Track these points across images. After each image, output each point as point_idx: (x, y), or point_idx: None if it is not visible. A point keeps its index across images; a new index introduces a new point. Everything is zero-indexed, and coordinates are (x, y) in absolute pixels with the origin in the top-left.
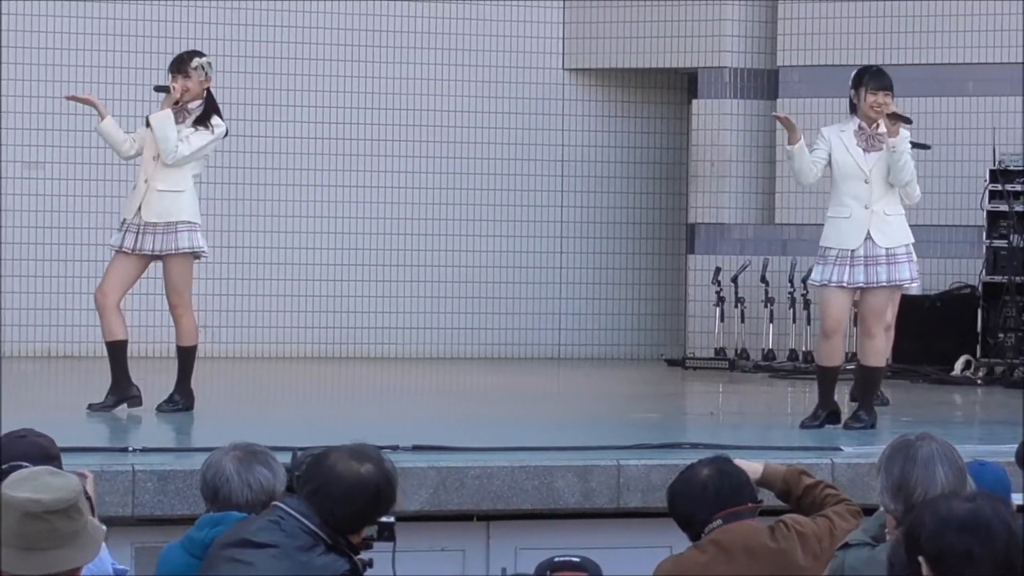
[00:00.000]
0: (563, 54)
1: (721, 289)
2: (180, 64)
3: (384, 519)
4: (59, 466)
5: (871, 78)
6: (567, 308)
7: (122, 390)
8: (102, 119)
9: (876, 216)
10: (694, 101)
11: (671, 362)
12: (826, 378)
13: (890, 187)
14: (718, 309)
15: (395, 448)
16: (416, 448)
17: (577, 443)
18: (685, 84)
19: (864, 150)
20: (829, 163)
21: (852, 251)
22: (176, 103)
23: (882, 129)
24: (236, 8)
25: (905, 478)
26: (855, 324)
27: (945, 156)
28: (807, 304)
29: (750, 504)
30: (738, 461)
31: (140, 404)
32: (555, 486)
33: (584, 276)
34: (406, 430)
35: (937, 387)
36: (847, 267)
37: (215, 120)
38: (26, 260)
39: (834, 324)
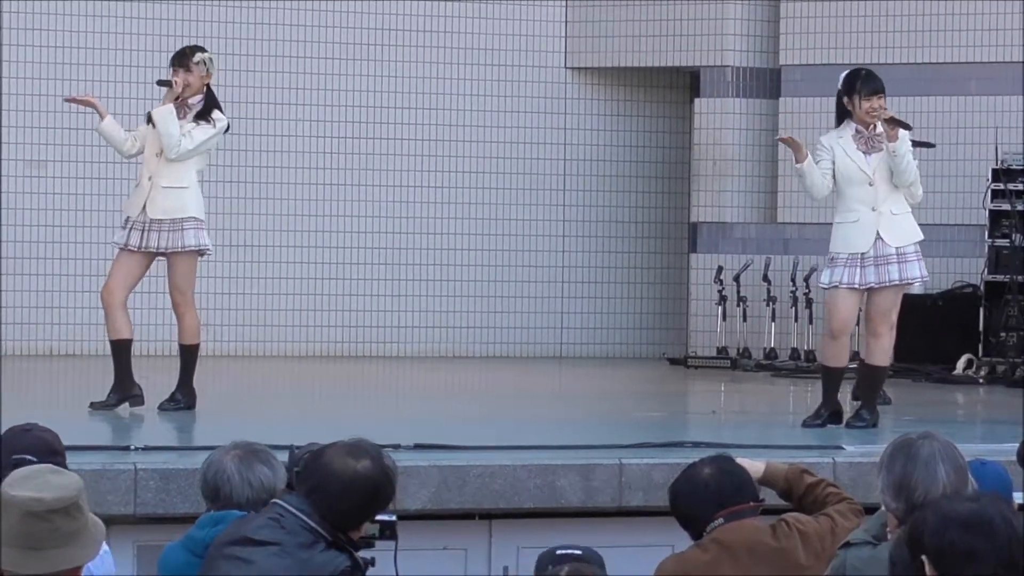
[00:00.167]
0: (566, 53)
1: (723, 288)
2: (182, 58)
3: (386, 518)
4: (63, 461)
5: (863, 84)
6: (569, 307)
7: (125, 389)
8: (102, 119)
9: (884, 217)
10: (696, 100)
11: (673, 361)
12: (831, 379)
13: (895, 187)
14: (720, 308)
15: (397, 447)
16: (418, 447)
17: (579, 442)
18: (687, 83)
19: (865, 153)
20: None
21: (863, 254)
22: (177, 98)
23: (879, 130)
24: (244, 7)
25: (906, 477)
26: (858, 324)
27: (947, 155)
28: (809, 303)
29: (752, 503)
30: (740, 460)
31: (142, 403)
32: (557, 485)
33: (587, 275)
34: (408, 429)
35: (939, 386)
36: (858, 269)
37: (216, 114)
38: (27, 258)
39: (842, 325)
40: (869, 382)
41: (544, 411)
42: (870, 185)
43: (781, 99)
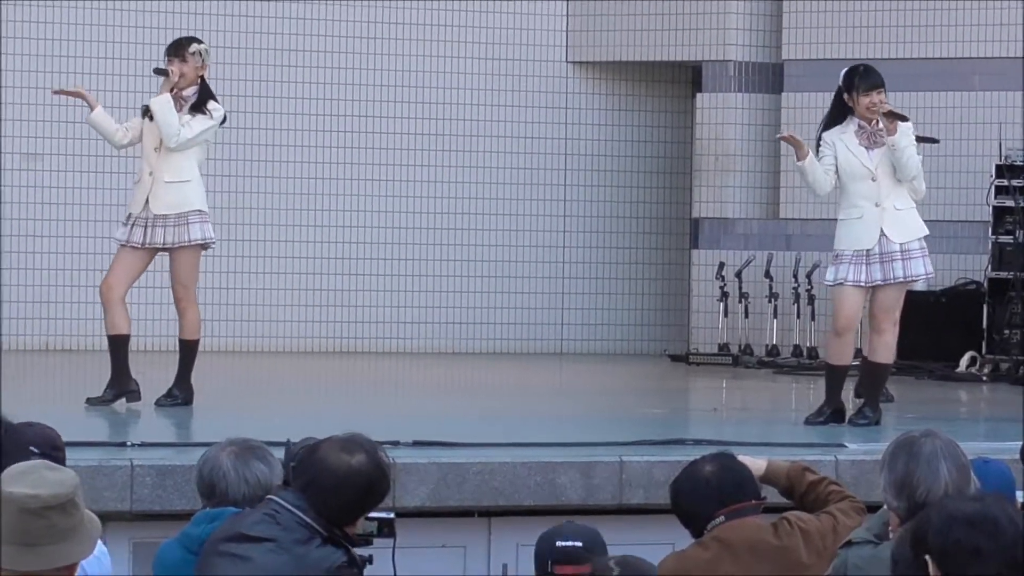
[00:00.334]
0: (567, 47)
1: (725, 284)
2: (178, 48)
3: (384, 515)
4: (63, 458)
5: (861, 79)
6: (570, 303)
7: (121, 384)
8: (92, 110)
9: (888, 212)
10: (698, 95)
11: (674, 357)
12: (834, 377)
13: (898, 182)
14: (722, 304)
15: (396, 443)
16: (417, 443)
17: (579, 439)
18: (689, 77)
19: (867, 148)
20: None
21: (868, 250)
22: (172, 89)
23: (881, 126)
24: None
25: (908, 475)
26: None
27: (951, 151)
28: (811, 299)
29: (753, 501)
30: (741, 457)
31: (139, 399)
32: (557, 482)
33: (587, 271)
34: (407, 425)
35: (942, 384)
36: (863, 266)
37: (212, 105)
38: (23, 253)
39: (847, 323)
40: (872, 379)
41: (544, 408)
42: (873, 181)
43: (784, 94)
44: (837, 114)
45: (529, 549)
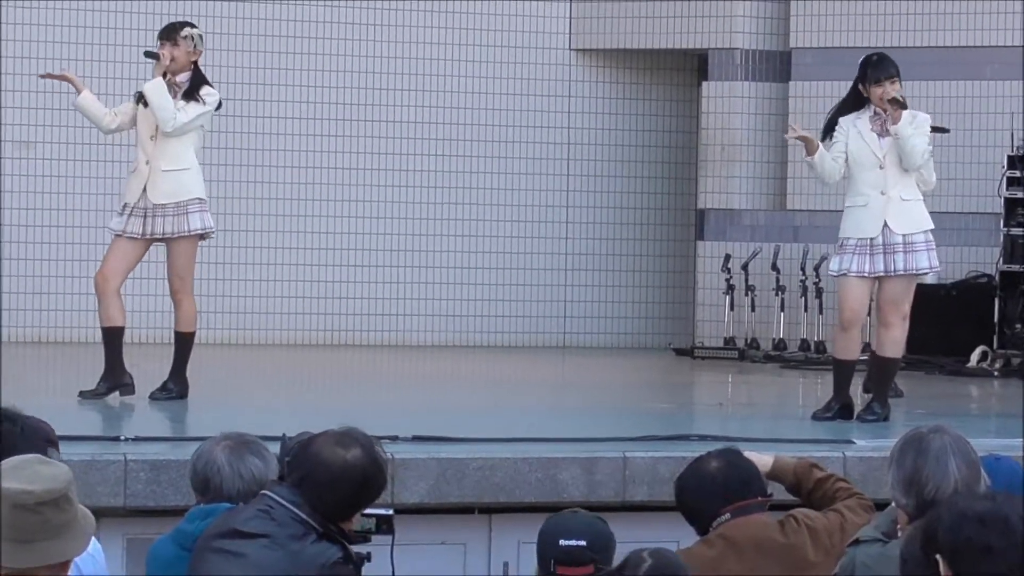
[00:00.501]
0: (570, 34)
1: (731, 277)
2: (170, 32)
3: (383, 511)
4: (45, 447)
5: (873, 69)
6: (573, 295)
7: (115, 377)
8: (79, 93)
9: (892, 202)
10: (704, 83)
11: (679, 351)
12: (842, 371)
13: (906, 172)
14: (728, 297)
15: (394, 438)
16: (416, 438)
17: (582, 434)
18: (695, 66)
19: (879, 135)
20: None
21: (871, 240)
22: (165, 74)
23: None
24: None
25: (917, 472)
26: (869, 314)
27: (962, 141)
28: (819, 292)
29: (759, 498)
30: (747, 453)
31: (133, 392)
32: (559, 478)
33: (591, 262)
34: (406, 420)
35: (952, 379)
36: (867, 256)
37: (206, 90)
38: (16, 243)
39: (852, 315)
40: (880, 374)
41: (546, 402)
42: (880, 168)
43: (791, 83)
44: (852, 102)
45: (530, 547)
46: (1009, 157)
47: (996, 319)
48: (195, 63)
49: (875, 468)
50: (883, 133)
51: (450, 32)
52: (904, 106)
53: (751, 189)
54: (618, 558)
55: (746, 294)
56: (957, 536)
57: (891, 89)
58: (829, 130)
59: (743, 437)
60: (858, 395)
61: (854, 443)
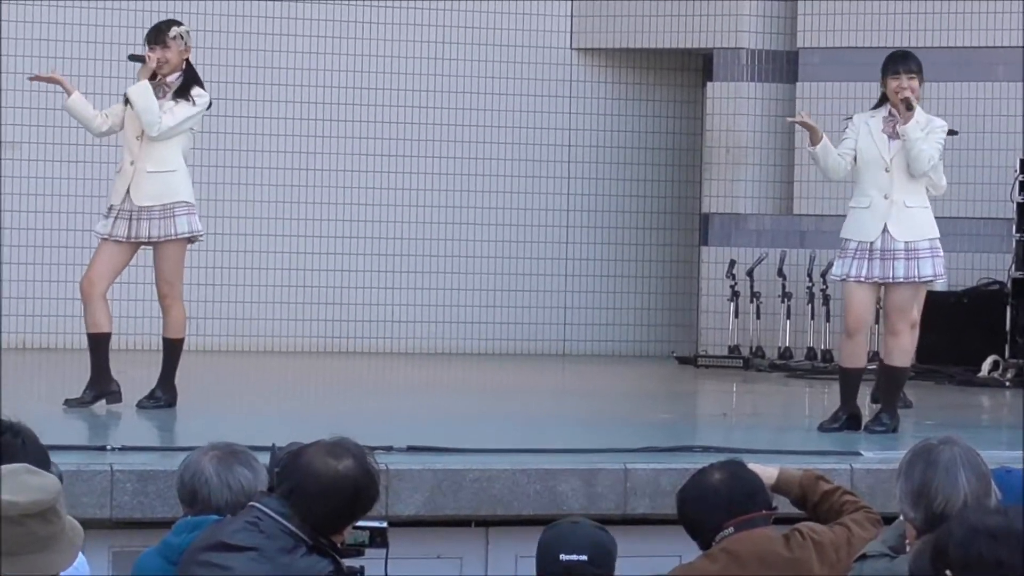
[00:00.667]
0: (571, 33)
1: (736, 283)
2: (157, 34)
3: (376, 524)
4: (46, 459)
5: (891, 62)
6: (573, 302)
7: (102, 385)
8: (68, 95)
9: (895, 207)
10: (709, 84)
11: (682, 360)
12: (848, 380)
13: (912, 177)
14: (732, 304)
15: (389, 449)
16: (411, 449)
17: (582, 445)
18: (700, 66)
19: (889, 136)
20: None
21: (871, 243)
22: (154, 76)
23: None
24: None
25: (926, 485)
26: (876, 322)
27: (973, 144)
28: (826, 300)
29: (764, 511)
30: (752, 465)
31: (119, 400)
32: (558, 490)
33: (592, 268)
34: (401, 429)
35: (963, 389)
36: (865, 260)
37: (196, 91)
38: None
39: (857, 322)
40: (889, 384)
41: (545, 412)
42: (886, 171)
43: (798, 83)
44: (881, 100)
45: (529, 561)
46: (1021, 160)
47: (1008, 327)
48: (187, 61)
49: (883, 481)
50: (893, 135)
51: (445, 31)
52: (911, 107)
53: (757, 193)
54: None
55: (751, 301)
56: (968, 551)
57: (908, 84)
58: None
59: (747, 448)
60: (866, 405)
61: (861, 455)
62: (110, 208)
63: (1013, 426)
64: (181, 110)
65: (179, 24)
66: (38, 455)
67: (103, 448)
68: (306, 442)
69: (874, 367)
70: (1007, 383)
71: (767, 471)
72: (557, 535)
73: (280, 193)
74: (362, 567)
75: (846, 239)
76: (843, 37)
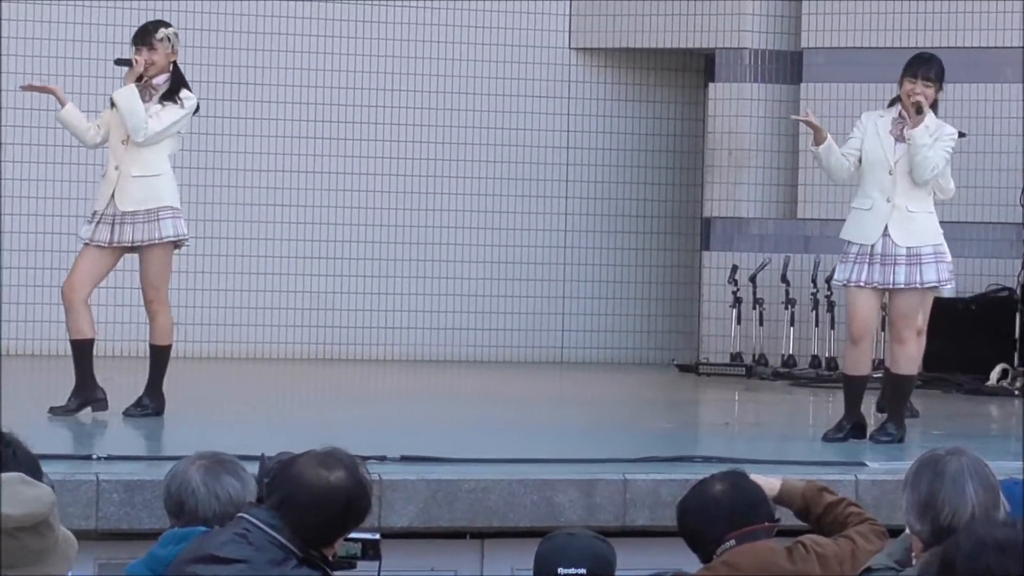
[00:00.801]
0: (570, 32)
1: (738, 289)
2: (144, 36)
3: (369, 536)
4: (38, 469)
5: (909, 64)
6: (572, 308)
7: (87, 392)
8: (62, 106)
9: (897, 211)
10: (711, 85)
11: (683, 368)
12: (852, 388)
13: (916, 182)
14: (735, 311)
15: (382, 458)
16: (404, 459)
17: (580, 455)
18: (701, 66)
19: (896, 139)
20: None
21: (871, 247)
22: (140, 78)
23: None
24: None
25: (932, 496)
26: (883, 329)
27: (981, 147)
28: (831, 306)
29: (766, 523)
30: (754, 476)
31: (105, 408)
32: (556, 501)
33: (590, 273)
34: (394, 439)
35: (971, 398)
36: (866, 265)
37: (184, 93)
38: None
39: (861, 329)
40: (895, 393)
41: (542, 420)
42: (889, 174)
43: (803, 84)
44: (896, 99)
45: (524, 573)
46: None
47: (1017, 335)
48: (174, 63)
49: (889, 492)
50: (901, 138)
51: (440, 30)
52: (920, 110)
53: (760, 196)
54: None
55: (754, 307)
56: (976, 565)
57: (922, 91)
58: None
59: (749, 459)
60: (871, 415)
61: (867, 466)
62: (94, 213)
63: (1022, 436)
64: (168, 114)
65: (167, 25)
66: (29, 465)
67: (89, 457)
68: (296, 451)
69: (879, 375)
70: (1016, 392)
71: (770, 482)
72: (554, 547)
73: (271, 196)
74: None
75: (847, 242)
76: (849, 37)
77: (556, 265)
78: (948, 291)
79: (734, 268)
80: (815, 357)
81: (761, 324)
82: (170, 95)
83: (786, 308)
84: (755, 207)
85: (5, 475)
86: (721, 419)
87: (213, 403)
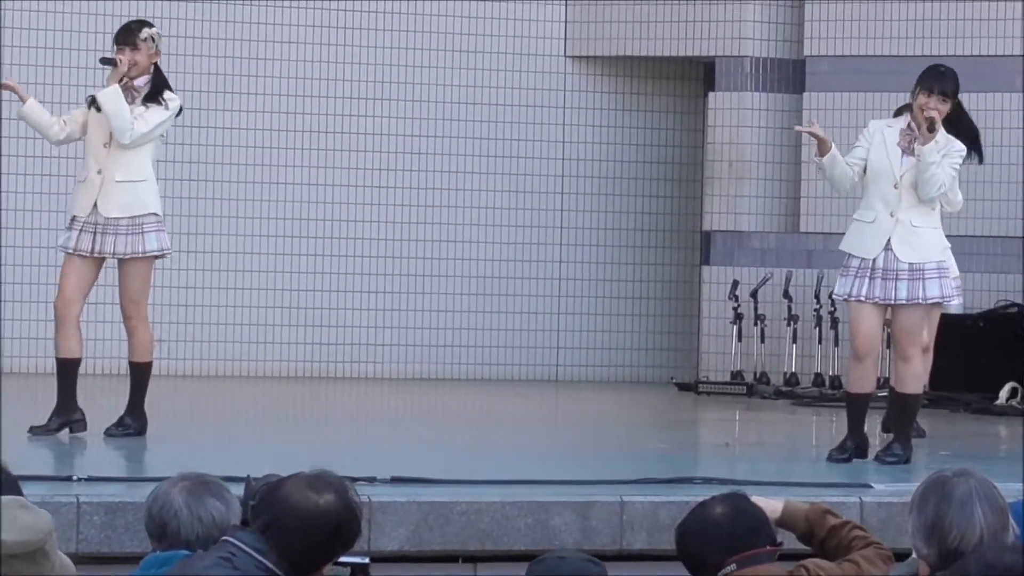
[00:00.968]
0: (566, 40)
1: (739, 305)
2: (127, 35)
3: (358, 560)
4: (19, 493)
5: (928, 76)
6: (567, 324)
7: (68, 412)
8: (24, 103)
9: (901, 226)
10: (711, 94)
11: (682, 386)
12: (856, 406)
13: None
14: (735, 327)
15: (372, 480)
16: (395, 480)
17: (576, 476)
18: (701, 75)
19: (903, 151)
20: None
21: (873, 261)
22: (122, 79)
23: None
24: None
25: (939, 519)
26: (888, 346)
27: (988, 159)
28: (835, 323)
29: (768, 546)
30: (755, 498)
31: (84, 429)
32: (551, 524)
33: (586, 288)
34: (385, 459)
35: (979, 417)
36: (867, 279)
37: (168, 95)
38: None
39: (864, 345)
40: (900, 412)
41: (537, 441)
42: (895, 187)
43: (805, 94)
44: (904, 109)
45: None
46: None
47: None
48: (156, 64)
49: (895, 515)
50: (908, 151)
51: (433, 37)
52: (933, 128)
53: (761, 209)
54: None
55: (755, 324)
56: None
57: (938, 105)
58: None
59: (751, 480)
60: (876, 435)
61: (872, 487)
62: (73, 219)
63: None
64: (153, 115)
65: (150, 26)
66: (11, 489)
67: (69, 478)
68: (283, 473)
69: (884, 394)
70: None
71: (771, 504)
72: (544, 570)
73: (257, 208)
74: None
75: (848, 255)
76: (853, 45)
77: (551, 280)
78: (956, 307)
79: (735, 283)
80: (818, 375)
81: (762, 341)
82: (153, 96)
83: (788, 324)
84: (756, 220)
85: (5, 498)
86: (721, 439)
87: (197, 423)
